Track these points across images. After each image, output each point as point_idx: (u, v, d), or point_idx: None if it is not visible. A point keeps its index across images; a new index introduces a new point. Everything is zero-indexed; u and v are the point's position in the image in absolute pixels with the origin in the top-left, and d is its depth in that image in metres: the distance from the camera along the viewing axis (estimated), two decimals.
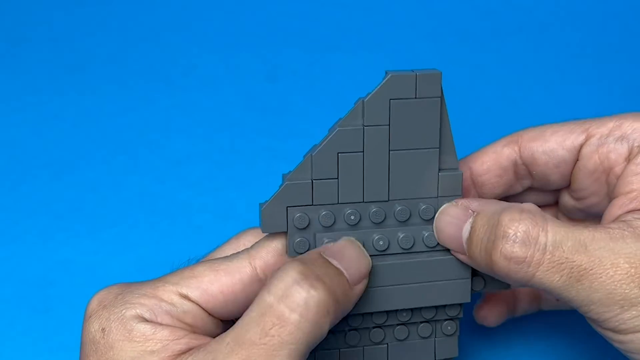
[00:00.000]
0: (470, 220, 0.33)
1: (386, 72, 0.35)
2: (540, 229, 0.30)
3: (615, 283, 0.29)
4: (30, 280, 0.46)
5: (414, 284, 0.35)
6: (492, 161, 0.38)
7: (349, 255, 0.32)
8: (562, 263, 0.30)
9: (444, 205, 0.34)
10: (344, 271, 0.31)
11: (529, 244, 0.30)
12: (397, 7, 0.63)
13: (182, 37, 0.59)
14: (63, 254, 0.48)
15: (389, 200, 0.35)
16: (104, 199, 0.50)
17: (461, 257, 0.34)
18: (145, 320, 0.31)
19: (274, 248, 0.34)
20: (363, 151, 0.34)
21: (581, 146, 0.36)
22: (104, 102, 0.55)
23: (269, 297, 0.29)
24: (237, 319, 0.31)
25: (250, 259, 0.33)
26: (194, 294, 0.32)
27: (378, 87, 0.34)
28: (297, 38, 0.60)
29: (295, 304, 0.28)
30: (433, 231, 0.35)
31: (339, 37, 0.61)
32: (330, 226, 0.34)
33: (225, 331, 0.30)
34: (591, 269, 0.29)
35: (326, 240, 0.33)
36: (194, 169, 0.52)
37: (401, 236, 0.35)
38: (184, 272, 0.33)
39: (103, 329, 0.31)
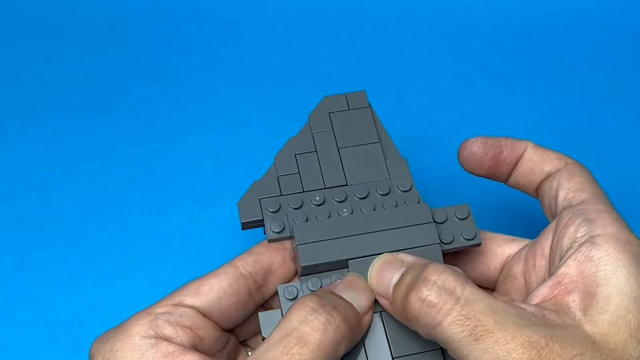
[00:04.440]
0: (403, 269, 0.34)
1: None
2: (459, 284, 0.31)
3: (508, 351, 0.30)
4: (60, 321, 0.46)
5: (387, 230, 0.37)
6: (541, 160, 0.40)
7: (355, 289, 0.35)
8: (469, 318, 0.30)
9: (383, 254, 0.36)
10: (353, 303, 0.34)
11: (445, 293, 0.31)
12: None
13: (212, 78, 0.60)
14: (93, 295, 0.48)
15: (347, 184, 0.40)
16: (134, 240, 0.50)
17: (383, 302, 0.35)
18: (150, 337, 0.33)
19: (251, 251, 0.38)
20: (316, 151, 0.41)
21: (569, 205, 0.37)
22: (134, 143, 0.55)
23: (289, 323, 0.31)
24: (232, 319, 0.37)
25: (230, 263, 0.37)
26: (187, 299, 0.35)
27: (317, 105, 0.42)
28: (325, 79, 0.61)
29: (315, 327, 0.31)
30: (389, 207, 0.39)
31: (366, 80, 0.62)
32: (299, 207, 0.39)
33: (223, 337, 0.36)
34: (492, 332, 0.30)
35: (299, 214, 0.38)
36: (224, 211, 0.52)
37: (364, 205, 0.39)
38: (174, 291, 0.37)
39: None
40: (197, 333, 0.35)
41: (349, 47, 0.64)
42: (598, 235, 0.34)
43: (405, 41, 0.65)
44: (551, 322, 0.31)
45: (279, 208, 0.38)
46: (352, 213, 0.38)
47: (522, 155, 0.40)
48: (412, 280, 0.33)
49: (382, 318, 0.36)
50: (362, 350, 0.35)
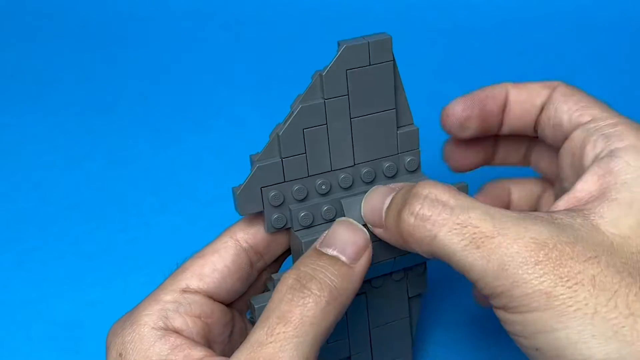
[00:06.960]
0: (394, 193, 0.33)
1: (339, 43, 0.35)
2: (451, 196, 0.30)
3: (512, 255, 0.27)
4: (60, 321, 0.46)
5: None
6: (528, 95, 0.39)
7: (341, 238, 0.32)
8: (465, 227, 0.29)
9: (375, 186, 0.35)
10: (339, 255, 0.32)
11: (438, 204, 0.30)
12: None
13: (212, 78, 0.60)
14: (93, 295, 0.47)
15: (354, 164, 0.36)
16: (133, 240, 0.50)
17: (377, 231, 0.34)
18: (160, 329, 0.32)
19: (249, 219, 0.35)
20: (326, 123, 0.35)
21: (579, 125, 0.36)
22: (134, 143, 0.56)
23: (271, 303, 0.30)
24: (238, 292, 0.35)
25: (230, 234, 0.35)
26: (192, 283, 0.34)
27: (334, 59, 0.35)
28: None
29: (294, 304, 0.30)
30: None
31: None
32: (303, 199, 0.35)
33: (229, 315, 0.35)
34: (493, 237, 0.28)
35: (302, 214, 0.35)
36: (223, 210, 0.52)
37: None
38: (176, 271, 0.34)
39: (120, 354, 0.32)
40: (207, 322, 0.34)
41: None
42: (617, 148, 0.32)
43: (405, 41, 0.65)
44: (560, 222, 0.29)
45: (283, 201, 0.35)
46: None
47: (505, 99, 0.39)
48: (402, 199, 0.31)
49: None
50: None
